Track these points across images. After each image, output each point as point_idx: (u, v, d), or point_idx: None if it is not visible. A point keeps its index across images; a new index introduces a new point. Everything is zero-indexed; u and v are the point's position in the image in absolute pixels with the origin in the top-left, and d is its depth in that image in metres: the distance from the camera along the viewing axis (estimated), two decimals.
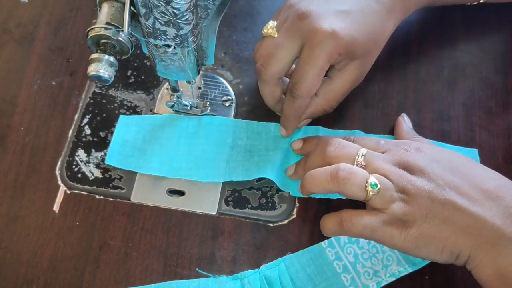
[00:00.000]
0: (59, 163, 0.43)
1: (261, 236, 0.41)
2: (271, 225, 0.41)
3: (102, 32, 0.32)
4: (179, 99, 0.44)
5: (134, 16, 0.32)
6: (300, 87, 0.38)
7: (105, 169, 0.43)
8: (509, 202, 0.31)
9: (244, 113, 0.46)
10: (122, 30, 0.31)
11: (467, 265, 0.32)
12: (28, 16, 0.50)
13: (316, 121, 0.44)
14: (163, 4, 0.29)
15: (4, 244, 0.40)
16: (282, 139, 0.43)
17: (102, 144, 0.44)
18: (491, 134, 0.45)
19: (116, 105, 0.46)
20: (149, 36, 0.32)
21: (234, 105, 0.46)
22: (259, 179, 0.42)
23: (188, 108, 0.45)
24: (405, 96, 0.46)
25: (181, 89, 0.43)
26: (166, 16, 0.30)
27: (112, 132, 0.44)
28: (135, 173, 0.42)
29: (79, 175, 0.42)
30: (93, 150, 0.43)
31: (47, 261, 0.39)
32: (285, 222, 0.41)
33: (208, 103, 0.45)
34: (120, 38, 0.32)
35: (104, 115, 0.45)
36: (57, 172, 0.43)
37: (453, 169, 0.34)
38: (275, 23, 0.39)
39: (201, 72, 0.45)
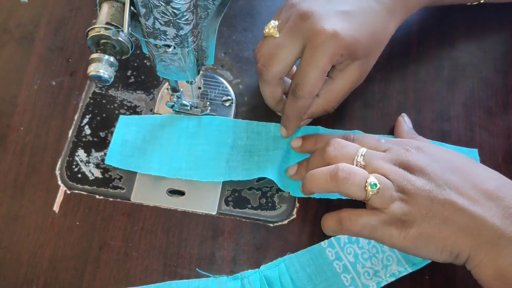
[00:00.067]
0: (59, 163, 0.43)
1: (261, 236, 0.41)
2: (271, 225, 0.41)
3: (102, 32, 0.32)
4: (179, 99, 0.44)
5: (134, 16, 0.32)
6: (302, 88, 0.38)
7: (105, 169, 0.43)
8: (509, 202, 0.32)
9: (244, 113, 0.46)
10: (122, 30, 0.31)
11: (466, 264, 0.32)
12: (28, 16, 0.50)
13: (316, 121, 0.44)
14: (163, 4, 0.29)
15: (4, 244, 0.40)
16: (282, 139, 0.43)
17: (102, 144, 0.44)
18: (491, 134, 0.45)
19: (116, 105, 0.46)
20: (149, 36, 0.32)
21: (234, 105, 0.46)
22: (259, 179, 0.42)
23: (188, 108, 0.45)
24: (405, 96, 0.46)
25: (181, 89, 0.43)
26: (166, 16, 0.30)
27: (112, 132, 0.44)
28: (135, 173, 0.42)
29: (79, 175, 0.42)
30: (93, 150, 0.43)
31: (47, 261, 0.39)
32: (285, 222, 0.41)
33: (208, 103, 0.45)
34: (120, 38, 0.32)
35: (104, 115, 0.45)
36: (57, 172, 0.43)
37: (453, 169, 0.34)
38: (277, 22, 0.39)
39: (201, 72, 0.45)
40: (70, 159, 0.43)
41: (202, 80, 0.47)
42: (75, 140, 0.44)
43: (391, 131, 0.44)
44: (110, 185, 0.42)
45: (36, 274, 0.39)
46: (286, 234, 0.41)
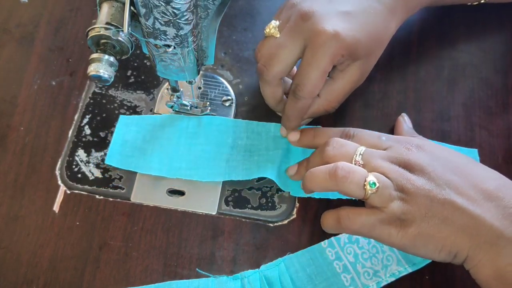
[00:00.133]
0: (59, 163, 0.43)
1: (261, 236, 0.41)
2: (271, 225, 0.41)
3: (102, 32, 0.32)
4: (179, 99, 0.44)
5: (134, 16, 0.32)
6: (303, 88, 0.38)
7: (105, 169, 0.43)
8: (509, 202, 0.32)
9: (244, 113, 0.46)
10: (122, 30, 0.31)
11: (465, 264, 0.32)
12: (28, 16, 0.50)
13: (316, 120, 0.44)
14: (163, 4, 0.29)
15: (4, 244, 0.40)
16: (282, 139, 0.43)
17: (102, 144, 0.44)
18: (491, 134, 0.45)
19: (116, 105, 0.46)
20: (149, 36, 0.32)
21: (234, 105, 0.46)
22: (259, 179, 0.42)
23: (188, 108, 0.45)
24: (405, 96, 0.46)
25: (181, 89, 0.43)
26: (166, 16, 0.30)
27: (112, 132, 0.44)
28: (135, 173, 0.42)
29: (79, 175, 0.42)
30: (93, 150, 0.43)
31: (47, 261, 0.39)
32: (285, 222, 0.41)
33: (208, 103, 0.45)
34: (120, 38, 0.32)
35: (104, 115, 0.45)
36: (57, 172, 0.43)
37: (453, 168, 0.34)
38: (277, 22, 0.39)
39: (201, 72, 0.45)
40: (70, 159, 0.43)
41: (202, 80, 0.47)
42: (75, 140, 0.44)
43: (391, 131, 0.44)
44: (110, 185, 0.42)
45: (36, 274, 0.39)
46: (286, 234, 0.41)
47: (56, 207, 0.41)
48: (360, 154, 0.35)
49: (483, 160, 0.43)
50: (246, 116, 0.45)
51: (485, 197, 0.32)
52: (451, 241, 0.31)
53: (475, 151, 0.44)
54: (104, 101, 0.46)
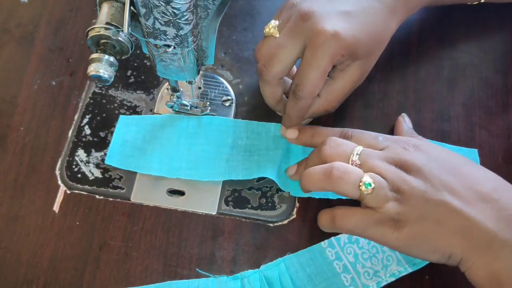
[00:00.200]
0: (59, 163, 0.43)
1: (261, 236, 0.41)
2: (271, 225, 0.41)
3: (102, 32, 0.32)
4: (179, 99, 0.44)
5: (134, 16, 0.32)
6: (303, 89, 0.38)
7: (105, 169, 0.43)
8: (504, 204, 0.31)
9: (244, 113, 0.46)
10: (122, 30, 0.31)
11: (460, 266, 0.32)
12: (28, 16, 0.50)
13: (316, 120, 0.44)
14: (163, 4, 0.29)
15: (4, 244, 0.40)
16: (282, 139, 0.43)
17: (102, 144, 0.44)
18: (491, 134, 0.45)
19: (116, 105, 0.46)
20: (149, 36, 0.32)
21: (234, 105, 0.46)
22: (259, 179, 0.42)
23: (188, 108, 0.45)
24: (405, 96, 0.46)
25: (181, 89, 0.43)
26: (166, 16, 0.30)
27: (112, 132, 0.44)
28: (135, 173, 0.42)
29: (79, 175, 0.42)
30: (93, 150, 0.43)
31: (47, 261, 0.39)
32: (285, 222, 0.41)
33: (208, 103, 0.45)
34: (120, 38, 0.32)
35: (104, 115, 0.45)
36: (57, 172, 0.43)
37: (450, 169, 0.33)
38: (277, 22, 0.39)
39: (201, 72, 0.45)
40: (70, 159, 0.43)
41: (202, 80, 0.47)
42: (75, 140, 0.44)
43: (391, 131, 0.44)
44: (110, 185, 0.42)
45: (36, 274, 0.39)
46: (286, 234, 0.41)
47: (56, 207, 0.41)
48: (357, 153, 0.35)
49: (483, 160, 0.43)
50: (246, 116, 0.45)
51: (480, 198, 0.32)
52: (445, 242, 0.31)
53: (475, 151, 0.44)
54: (104, 101, 0.46)
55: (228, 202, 0.42)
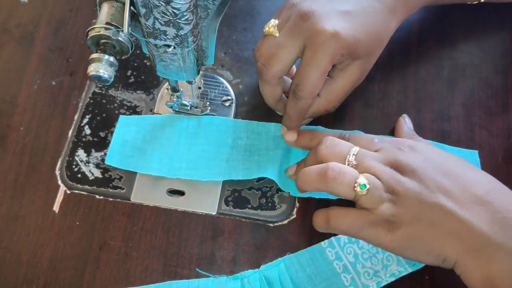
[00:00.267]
0: (59, 163, 0.43)
1: (261, 236, 0.41)
2: (271, 225, 0.41)
3: (102, 32, 0.32)
4: (179, 99, 0.44)
5: (134, 16, 0.32)
6: (303, 89, 0.38)
7: (105, 169, 0.43)
8: (498, 207, 0.31)
9: (244, 113, 0.46)
10: (122, 30, 0.31)
11: (455, 269, 0.32)
12: (28, 16, 0.50)
13: (316, 120, 0.44)
14: (163, 4, 0.29)
15: (4, 244, 0.40)
16: (282, 139, 0.43)
17: (102, 144, 0.44)
18: (491, 134, 0.45)
19: (116, 105, 0.46)
20: (149, 36, 0.32)
21: (234, 105, 0.46)
22: (259, 179, 0.42)
23: (188, 108, 0.45)
24: (405, 96, 0.46)
25: (181, 89, 0.43)
26: (166, 16, 0.30)
27: (112, 132, 0.44)
28: (135, 173, 0.42)
29: (79, 175, 0.42)
30: (93, 150, 0.43)
31: (47, 261, 0.39)
32: (285, 222, 0.41)
33: (208, 103, 0.45)
34: (120, 38, 0.32)
35: (104, 115, 0.45)
36: (57, 172, 0.43)
37: (445, 171, 0.33)
38: (277, 21, 0.39)
39: (201, 72, 0.45)
40: (70, 159, 0.43)
41: (202, 80, 0.47)
42: (75, 140, 0.44)
43: (392, 131, 0.44)
44: (110, 185, 0.42)
45: (36, 274, 0.39)
46: (286, 234, 0.41)
47: (56, 207, 0.41)
48: (353, 154, 0.35)
49: (483, 161, 0.43)
50: (246, 116, 0.45)
51: (474, 201, 0.32)
52: (439, 245, 0.31)
53: (475, 152, 0.44)
54: (104, 101, 0.46)
55: (228, 202, 0.42)
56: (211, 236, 0.40)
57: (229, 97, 0.46)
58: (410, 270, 0.38)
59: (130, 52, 0.34)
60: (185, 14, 0.30)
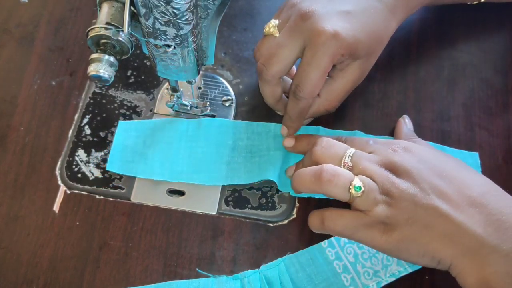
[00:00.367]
0: (59, 163, 0.43)
1: (261, 236, 0.41)
2: (271, 225, 0.41)
3: (102, 32, 0.32)
4: (179, 99, 0.44)
5: (134, 16, 0.32)
6: (303, 89, 0.38)
7: (105, 169, 0.43)
8: (492, 209, 0.31)
9: (244, 113, 0.46)
10: (122, 30, 0.31)
11: (450, 271, 0.32)
12: (28, 16, 0.50)
13: (316, 120, 0.44)
14: (163, 4, 0.29)
15: (4, 244, 0.40)
16: (283, 138, 0.43)
17: (102, 144, 0.44)
18: (491, 134, 0.45)
19: (116, 105, 0.46)
20: (149, 36, 0.32)
21: (234, 105, 0.46)
22: (259, 180, 0.42)
23: (188, 108, 0.45)
24: (405, 96, 0.46)
25: (181, 89, 0.43)
26: (166, 16, 0.30)
27: (112, 132, 0.44)
28: None
29: (79, 175, 0.42)
30: (93, 150, 0.43)
31: (47, 261, 0.39)
32: (285, 222, 0.41)
33: (208, 103, 0.45)
34: (120, 38, 0.32)
35: (104, 115, 0.45)
36: (57, 172, 0.43)
37: (440, 172, 0.33)
38: (277, 21, 0.39)
39: (201, 72, 0.45)
40: (70, 159, 0.43)
41: (202, 80, 0.47)
42: (75, 140, 0.44)
43: (392, 132, 0.44)
44: (110, 185, 0.42)
45: (36, 274, 0.39)
46: (286, 234, 0.41)
47: (56, 207, 0.41)
48: (349, 156, 0.35)
49: (483, 161, 0.43)
50: (246, 116, 0.45)
51: (469, 203, 0.32)
52: (433, 247, 0.31)
53: (475, 154, 0.43)
54: (104, 101, 0.46)
55: (228, 202, 0.42)
56: (211, 236, 0.40)
57: (229, 97, 0.46)
58: (410, 270, 0.38)
59: (130, 52, 0.34)
60: (185, 14, 0.30)
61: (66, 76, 0.47)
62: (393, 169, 0.33)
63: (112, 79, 0.33)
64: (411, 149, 0.35)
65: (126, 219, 0.41)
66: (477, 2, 0.48)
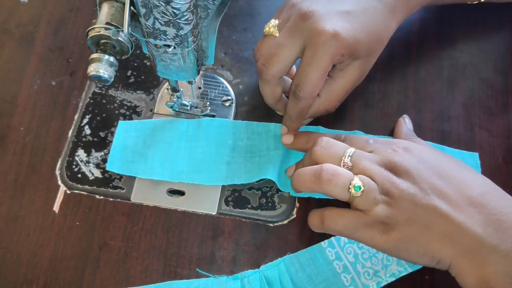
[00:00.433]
0: (59, 163, 0.43)
1: (261, 236, 0.41)
2: (271, 225, 0.41)
3: (102, 32, 0.32)
4: (179, 99, 0.44)
5: (134, 16, 0.32)
6: (303, 89, 0.38)
7: (105, 169, 0.43)
8: (492, 209, 0.31)
9: (244, 113, 0.46)
10: (122, 30, 0.31)
11: (450, 271, 0.32)
12: (28, 16, 0.50)
13: (316, 120, 0.44)
14: (163, 4, 0.29)
15: (4, 244, 0.40)
16: None
17: (102, 144, 0.44)
18: (491, 134, 0.45)
19: (116, 105, 0.46)
20: (149, 36, 0.32)
21: (234, 105, 0.46)
22: (259, 179, 0.42)
23: (188, 108, 0.45)
24: (405, 96, 0.46)
25: (181, 89, 0.43)
26: (166, 16, 0.30)
27: (112, 132, 0.44)
28: None
29: (79, 175, 0.42)
30: (93, 150, 0.43)
31: (47, 261, 0.39)
32: (285, 222, 0.41)
33: (208, 103, 0.45)
34: (120, 38, 0.32)
35: (104, 115, 0.45)
36: (57, 172, 0.43)
37: (440, 172, 0.33)
38: (277, 21, 0.39)
39: (201, 72, 0.45)
40: (70, 159, 0.43)
41: (202, 80, 0.47)
42: (75, 140, 0.44)
43: (392, 132, 0.44)
44: (110, 185, 0.42)
45: (36, 274, 0.39)
46: (286, 234, 0.41)
47: (56, 207, 0.41)
48: (349, 155, 0.35)
49: (483, 161, 0.43)
50: (246, 116, 0.45)
51: (469, 203, 0.32)
52: (433, 247, 0.31)
53: (476, 155, 0.43)
54: (104, 101, 0.46)
55: (228, 202, 0.42)
56: (211, 236, 0.40)
57: (229, 97, 0.46)
58: (410, 270, 0.38)
59: (130, 52, 0.34)
60: (185, 14, 0.30)
61: (66, 76, 0.47)
62: (393, 169, 0.33)
63: (112, 79, 0.33)
64: (411, 149, 0.35)
65: (126, 219, 0.41)
66: (477, 2, 0.48)
